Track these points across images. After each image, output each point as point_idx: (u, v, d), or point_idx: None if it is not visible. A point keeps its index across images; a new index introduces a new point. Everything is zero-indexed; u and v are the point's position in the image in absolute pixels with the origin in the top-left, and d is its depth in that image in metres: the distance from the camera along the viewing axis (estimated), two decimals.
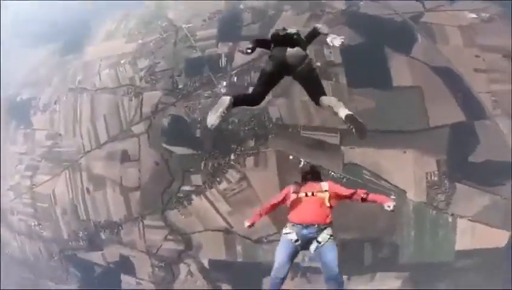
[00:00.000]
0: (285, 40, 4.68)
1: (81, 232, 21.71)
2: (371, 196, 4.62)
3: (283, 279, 4.54)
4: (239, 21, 19.70)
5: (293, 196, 4.71)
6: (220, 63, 18.73)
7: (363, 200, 4.57)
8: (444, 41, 18.02)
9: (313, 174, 5.01)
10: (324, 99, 4.63)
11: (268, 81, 4.76)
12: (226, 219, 18.31)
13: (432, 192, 16.14)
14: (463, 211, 16.09)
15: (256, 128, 17.89)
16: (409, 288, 16.87)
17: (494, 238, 16.02)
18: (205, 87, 18.53)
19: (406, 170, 16.15)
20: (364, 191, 4.70)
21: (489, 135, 16.20)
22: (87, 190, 20.38)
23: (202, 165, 18.24)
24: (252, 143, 17.91)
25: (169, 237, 19.48)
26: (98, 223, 20.82)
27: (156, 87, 19.10)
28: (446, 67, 16.99)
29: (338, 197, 4.67)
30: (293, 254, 4.68)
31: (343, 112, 4.29)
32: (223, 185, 18.13)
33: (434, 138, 16.10)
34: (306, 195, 4.57)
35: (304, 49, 4.73)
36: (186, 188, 18.58)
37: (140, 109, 18.96)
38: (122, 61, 20.35)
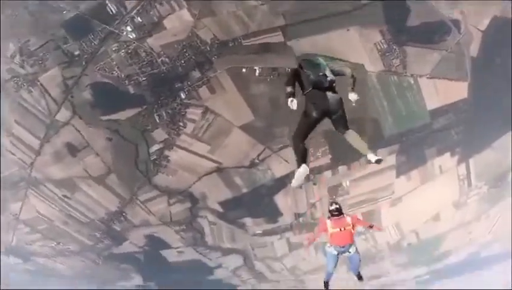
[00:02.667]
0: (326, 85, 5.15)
1: (97, 234, 21.10)
2: (375, 227, 7.44)
3: (332, 273, 7.09)
4: None
5: (332, 230, 6.68)
6: (110, 10, 15.59)
7: (370, 227, 7.58)
8: None
9: (338, 211, 6.76)
10: (349, 137, 5.29)
11: (313, 125, 5.16)
12: (211, 158, 16.86)
13: (386, 59, 16.69)
14: (420, 70, 16.87)
15: (193, 57, 15.74)
16: (403, 160, 17.88)
17: (456, 90, 16.88)
18: (108, 42, 15.60)
19: (356, 46, 16.64)
20: (372, 225, 7.40)
21: (417, 3, 16.59)
22: (65, 196, 18.76)
23: (156, 118, 15.99)
24: (197, 73, 15.82)
25: (171, 201, 18.51)
26: (103, 219, 19.89)
27: (47, 66, 15.89)
28: None
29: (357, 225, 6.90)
30: (336, 260, 6.93)
31: (372, 157, 5.17)
32: (190, 127, 16.21)
33: (370, 12, 16.46)
34: (340, 230, 6.64)
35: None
36: (155, 147, 16.63)
37: (49, 95, 15.95)
38: None
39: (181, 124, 16.08)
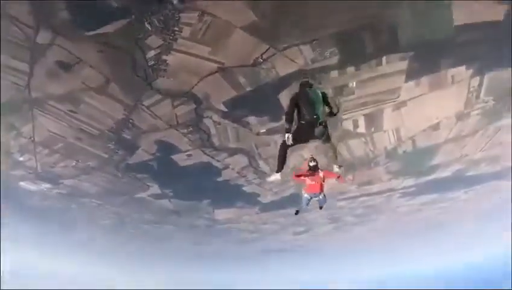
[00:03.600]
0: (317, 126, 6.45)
1: (110, 145, 21.93)
2: (340, 179, 8.94)
3: (303, 208, 9.96)
4: None
5: (309, 182, 8.91)
6: None
7: (338, 178, 8.93)
8: None
9: (315, 167, 8.71)
10: (329, 147, 7.32)
11: (300, 143, 6.58)
12: (213, 59, 16.11)
13: None
14: None
15: None
16: (415, 66, 16.74)
17: (491, 12, 14.55)
18: None
19: None
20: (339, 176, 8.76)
21: None
22: (71, 111, 18.82)
23: (148, 26, 14.59)
24: None
25: (175, 103, 18.49)
26: (111, 129, 20.37)
27: None
28: None
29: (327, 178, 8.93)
30: (309, 201, 9.42)
31: (334, 168, 7.91)
32: (187, 31, 14.96)
33: None
34: (315, 182, 8.82)
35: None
36: (151, 54, 15.70)
37: (18, 21, 14.18)
38: None
39: (176, 28, 14.79)
